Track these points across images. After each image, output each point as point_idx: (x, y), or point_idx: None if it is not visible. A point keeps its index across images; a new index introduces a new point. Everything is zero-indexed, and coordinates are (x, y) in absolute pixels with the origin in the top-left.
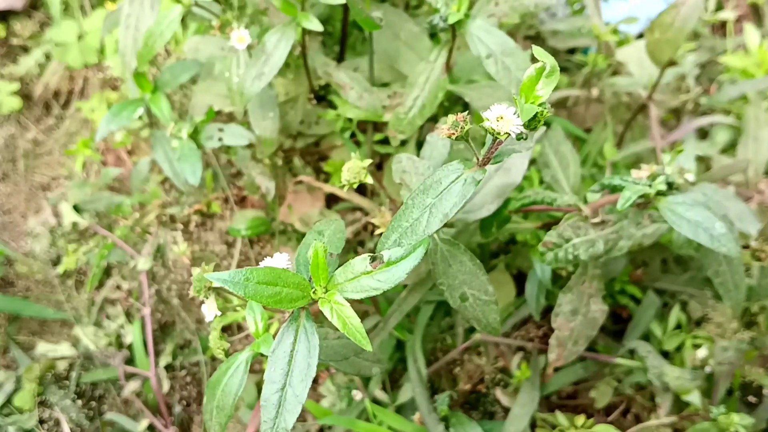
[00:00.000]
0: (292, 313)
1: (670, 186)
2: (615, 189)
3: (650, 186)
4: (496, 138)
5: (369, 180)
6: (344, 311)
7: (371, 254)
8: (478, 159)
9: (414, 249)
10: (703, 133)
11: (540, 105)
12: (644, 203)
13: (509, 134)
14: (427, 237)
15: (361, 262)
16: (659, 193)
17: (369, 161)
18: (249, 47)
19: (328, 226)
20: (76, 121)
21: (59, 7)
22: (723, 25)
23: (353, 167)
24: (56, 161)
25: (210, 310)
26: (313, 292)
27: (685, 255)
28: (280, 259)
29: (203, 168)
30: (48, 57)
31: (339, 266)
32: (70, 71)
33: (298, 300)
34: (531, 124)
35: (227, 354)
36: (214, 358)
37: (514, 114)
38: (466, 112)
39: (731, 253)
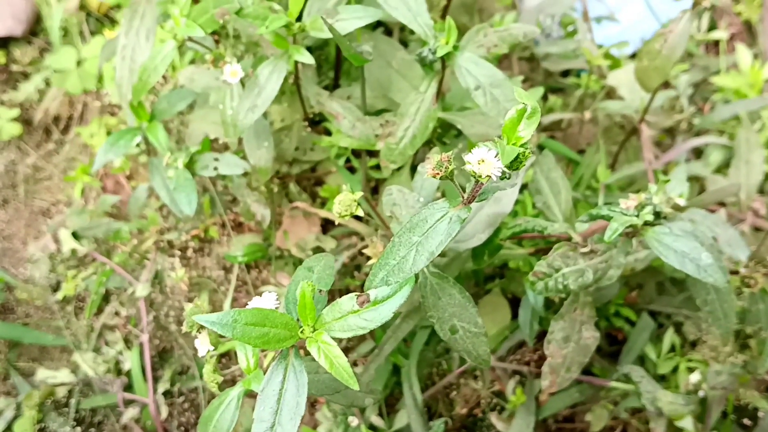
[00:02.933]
0: (281, 351)
1: (658, 215)
2: (603, 219)
3: (637, 216)
4: (478, 180)
5: (360, 212)
6: (331, 351)
7: (358, 294)
8: (463, 197)
9: (400, 287)
10: (698, 152)
11: (522, 146)
12: (632, 232)
13: (490, 177)
14: (413, 275)
15: (348, 301)
16: (646, 224)
17: (360, 193)
18: (243, 79)
19: (318, 262)
20: (76, 146)
21: (59, 33)
22: (716, 43)
23: (344, 200)
24: (56, 186)
25: (203, 344)
26: (301, 332)
27: (680, 277)
28: (267, 299)
29: (200, 194)
30: (48, 83)
31: (331, 301)
32: (69, 97)
33: (286, 340)
34: (513, 165)
35: (221, 387)
36: None
37: (495, 157)
38: (451, 153)
39: (718, 283)
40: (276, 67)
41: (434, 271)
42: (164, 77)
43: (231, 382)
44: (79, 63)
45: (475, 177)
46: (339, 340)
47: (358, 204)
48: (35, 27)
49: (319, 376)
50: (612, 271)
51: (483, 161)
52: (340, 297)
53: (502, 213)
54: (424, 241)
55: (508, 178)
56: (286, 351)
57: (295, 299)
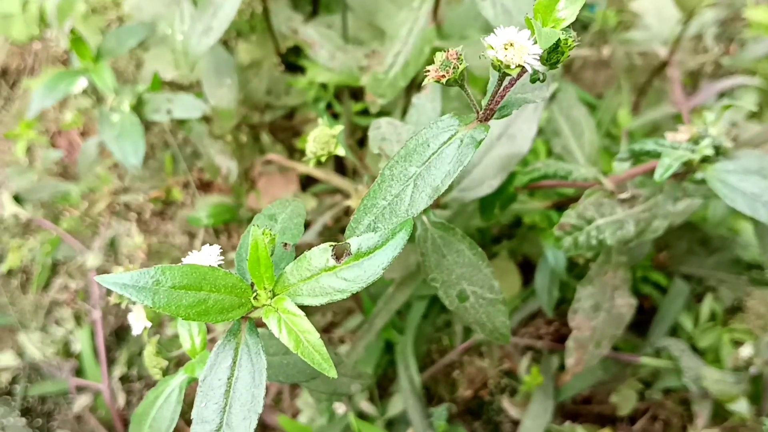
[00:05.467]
0: (230, 327)
1: (717, 150)
2: (647, 156)
3: (693, 151)
4: (505, 75)
5: (341, 151)
6: (297, 323)
7: (333, 243)
8: (477, 111)
9: (393, 235)
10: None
11: (563, 31)
12: (684, 173)
13: (522, 67)
14: (411, 219)
15: (320, 254)
16: (704, 160)
17: (340, 127)
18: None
19: (283, 208)
20: (26, 102)
21: None
22: None
23: (320, 136)
24: (4, 147)
25: (137, 320)
26: (255, 298)
27: (714, 235)
28: (207, 255)
29: (161, 150)
30: None
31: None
32: (18, 47)
33: (233, 309)
34: (552, 56)
35: (167, 374)
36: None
37: (529, 39)
38: (461, 48)
39: None
40: None
41: (437, 221)
42: (120, 19)
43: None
44: (24, 7)
45: (499, 69)
46: (309, 309)
47: (338, 141)
48: None
49: (288, 358)
50: (657, 221)
51: (511, 45)
52: (317, 246)
53: (518, 154)
54: (424, 172)
55: (542, 80)
56: (236, 325)
57: (247, 254)
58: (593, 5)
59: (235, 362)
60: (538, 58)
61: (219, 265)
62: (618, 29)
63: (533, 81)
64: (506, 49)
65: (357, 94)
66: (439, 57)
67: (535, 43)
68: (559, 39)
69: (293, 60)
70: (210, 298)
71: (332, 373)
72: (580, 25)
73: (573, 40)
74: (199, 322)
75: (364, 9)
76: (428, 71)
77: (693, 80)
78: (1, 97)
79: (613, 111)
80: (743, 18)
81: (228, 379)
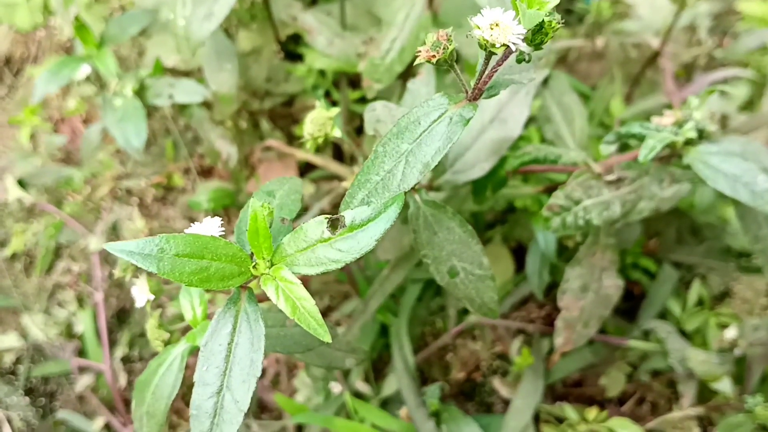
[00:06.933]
0: (231, 294)
1: (701, 134)
2: (633, 139)
3: (677, 134)
4: (491, 54)
5: (337, 133)
6: (294, 291)
7: (328, 216)
8: (466, 91)
9: (385, 208)
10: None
11: (548, 14)
12: (669, 156)
13: (507, 46)
14: (402, 193)
15: (316, 226)
16: (688, 142)
17: (336, 110)
18: None
19: (281, 185)
20: (30, 89)
21: None
22: None
23: (318, 118)
24: (7, 134)
25: (141, 292)
26: (254, 267)
27: (703, 222)
28: (209, 226)
29: (162, 136)
30: None
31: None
32: (22, 35)
33: (233, 277)
34: (536, 37)
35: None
36: None
37: (514, 20)
38: (451, 30)
39: None
40: None
41: (428, 199)
42: (123, 8)
43: None
44: None
45: (485, 48)
46: (305, 279)
47: (335, 124)
48: None
49: (286, 330)
50: (643, 203)
51: (497, 25)
52: (313, 219)
53: (509, 137)
54: (415, 149)
55: (528, 61)
56: (236, 293)
57: (247, 226)
58: None
59: (234, 328)
60: (523, 38)
61: (220, 236)
62: (612, 20)
63: (519, 62)
64: (492, 29)
65: (355, 82)
66: (430, 38)
67: (520, 23)
68: (543, 20)
69: (292, 48)
70: (212, 266)
71: (326, 338)
72: (576, 17)
73: (557, 23)
74: (200, 290)
75: None
76: (420, 52)
77: (687, 72)
78: (5, 85)
79: (606, 101)
80: (737, 11)
81: (228, 344)
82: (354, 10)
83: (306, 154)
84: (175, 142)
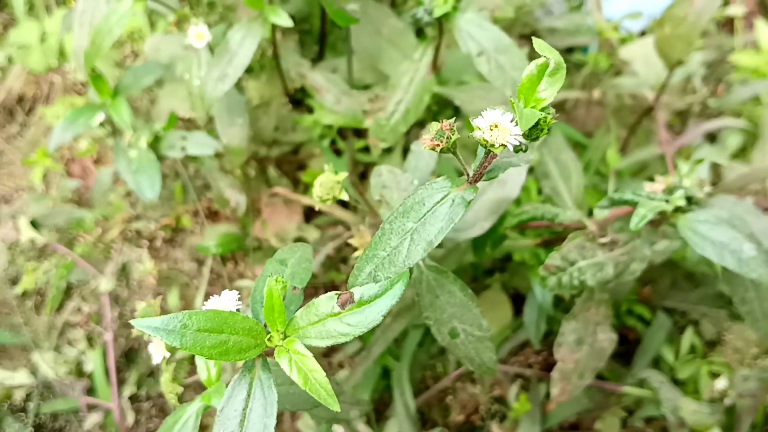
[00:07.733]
0: (245, 362)
1: (690, 201)
2: (626, 204)
3: (667, 201)
4: (490, 151)
5: (345, 196)
6: (306, 363)
7: (339, 292)
8: (468, 175)
9: (391, 285)
10: (710, 138)
11: (543, 110)
12: (659, 220)
13: (505, 146)
14: (407, 271)
15: (326, 301)
16: (677, 210)
17: (344, 174)
18: (213, 45)
19: (293, 253)
20: (41, 128)
21: (23, 7)
22: (730, 21)
23: (326, 182)
24: (19, 172)
25: (157, 350)
26: (269, 339)
27: (697, 271)
28: (227, 299)
29: (171, 179)
30: (11, 60)
31: (309, 300)
32: (34, 76)
33: (249, 350)
34: (532, 133)
35: (181, 400)
36: None
37: (512, 122)
38: (454, 119)
39: (762, 278)
40: (249, 31)
41: (432, 264)
42: (135, 53)
43: (199, 389)
44: (42, 38)
45: (485, 146)
46: (316, 350)
47: (342, 187)
48: None
49: (294, 388)
50: (635, 264)
51: (496, 126)
52: (324, 294)
53: (508, 198)
54: (420, 228)
55: (524, 151)
56: (251, 362)
57: (263, 299)
58: (586, 48)
59: (249, 395)
60: (520, 137)
61: (237, 310)
62: (609, 72)
63: (517, 151)
64: (491, 130)
65: (360, 131)
66: (434, 127)
67: (518, 124)
68: (539, 119)
69: (299, 96)
70: (230, 340)
71: (336, 408)
72: (574, 65)
73: (552, 117)
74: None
75: (367, 53)
76: (425, 140)
77: (682, 119)
78: (17, 123)
79: (602, 150)
80: (730, 61)
81: (243, 410)
82: (360, 65)
83: (310, 200)
84: (184, 185)
